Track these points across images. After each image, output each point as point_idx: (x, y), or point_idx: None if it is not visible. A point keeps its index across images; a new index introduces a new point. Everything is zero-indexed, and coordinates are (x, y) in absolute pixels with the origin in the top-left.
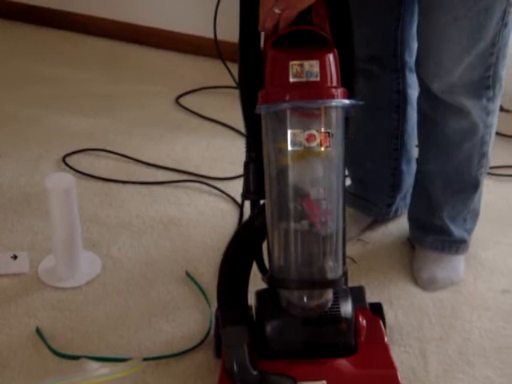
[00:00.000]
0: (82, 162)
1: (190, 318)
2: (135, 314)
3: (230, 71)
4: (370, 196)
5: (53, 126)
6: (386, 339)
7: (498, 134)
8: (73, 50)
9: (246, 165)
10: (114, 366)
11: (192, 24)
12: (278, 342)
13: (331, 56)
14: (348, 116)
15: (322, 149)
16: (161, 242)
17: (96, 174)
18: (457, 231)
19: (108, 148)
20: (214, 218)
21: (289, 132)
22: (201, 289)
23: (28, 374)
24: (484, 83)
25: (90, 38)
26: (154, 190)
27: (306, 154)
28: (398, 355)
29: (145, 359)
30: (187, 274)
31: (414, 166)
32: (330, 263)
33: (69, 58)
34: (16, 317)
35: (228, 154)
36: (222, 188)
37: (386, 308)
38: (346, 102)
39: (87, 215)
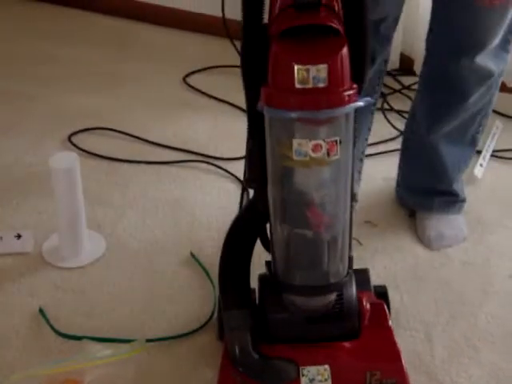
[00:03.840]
0: (87, 141)
1: (194, 300)
2: (139, 294)
3: (237, 50)
4: None
5: (58, 104)
6: (389, 323)
7: (505, 116)
8: (80, 29)
9: (248, 151)
10: (117, 348)
11: (200, 2)
12: (281, 328)
13: (342, 55)
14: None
15: (329, 158)
16: (166, 223)
17: (101, 153)
18: (460, 191)
19: (114, 127)
20: (219, 199)
21: (294, 141)
22: (205, 270)
23: (30, 354)
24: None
25: (98, 16)
26: (160, 169)
27: (311, 163)
28: (403, 339)
29: (148, 340)
30: (192, 254)
31: None
32: (334, 266)
33: (76, 36)
34: (19, 296)
35: (235, 135)
36: (228, 168)
37: (391, 291)
38: (357, 104)
39: (92, 195)
